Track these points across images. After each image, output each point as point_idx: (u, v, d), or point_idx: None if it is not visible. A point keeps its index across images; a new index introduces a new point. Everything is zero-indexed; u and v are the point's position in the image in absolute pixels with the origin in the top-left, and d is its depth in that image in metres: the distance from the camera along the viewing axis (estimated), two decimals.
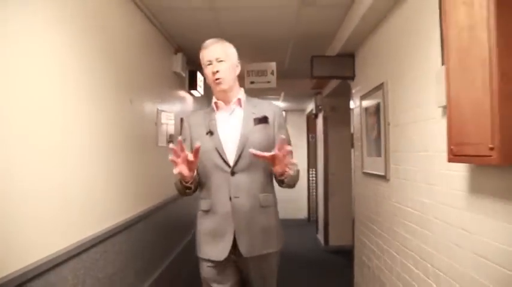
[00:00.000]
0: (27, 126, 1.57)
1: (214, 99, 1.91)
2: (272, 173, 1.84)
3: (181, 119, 4.00)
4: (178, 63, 4.01)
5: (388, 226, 2.77)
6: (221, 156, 1.79)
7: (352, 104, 3.97)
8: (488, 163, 1.39)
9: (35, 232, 1.60)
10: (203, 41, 1.89)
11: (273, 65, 4.79)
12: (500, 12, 1.27)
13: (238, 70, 1.91)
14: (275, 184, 1.93)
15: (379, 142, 2.96)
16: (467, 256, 1.67)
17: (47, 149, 1.70)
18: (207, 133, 1.82)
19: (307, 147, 8.17)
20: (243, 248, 1.78)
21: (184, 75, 4.29)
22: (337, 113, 5.80)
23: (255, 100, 1.94)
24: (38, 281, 1.54)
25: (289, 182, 1.78)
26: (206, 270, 1.86)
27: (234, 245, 1.79)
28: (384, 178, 2.84)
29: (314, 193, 7.61)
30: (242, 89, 1.94)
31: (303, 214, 8.37)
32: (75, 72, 1.97)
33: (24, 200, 1.53)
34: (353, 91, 3.88)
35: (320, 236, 6.43)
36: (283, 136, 1.64)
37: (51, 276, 1.64)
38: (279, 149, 1.61)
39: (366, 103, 3.37)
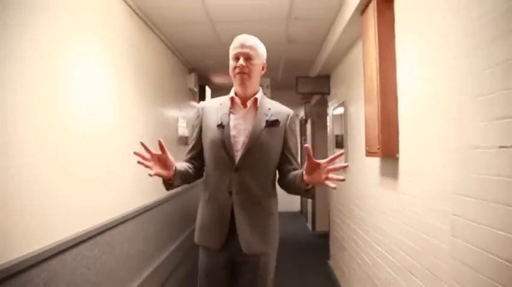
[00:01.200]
0: (94, 120, 2.64)
1: (232, 93, 1.87)
2: (274, 178, 1.86)
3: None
4: (191, 81, 5.08)
5: (347, 205, 3.83)
6: (227, 150, 1.76)
7: (328, 113, 5.03)
8: (377, 156, 2.44)
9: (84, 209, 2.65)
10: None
11: (267, 80, 5.86)
12: (381, 68, 2.33)
13: (263, 71, 1.88)
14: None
15: (342, 141, 4.03)
16: (380, 215, 2.72)
17: (105, 140, 2.77)
18: (218, 125, 1.80)
19: (301, 148, 9.23)
20: (243, 244, 1.74)
21: (196, 90, 5.37)
22: (322, 119, 6.85)
23: (271, 102, 1.91)
24: (77, 249, 2.13)
25: (307, 195, 1.72)
26: (201, 258, 1.86)
27: (232, 241, 1.76)
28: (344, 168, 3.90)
29: None
30: (261, 89, 1.91)
31: (296, 207, 9.46)
32: (128, 87, 3.05)
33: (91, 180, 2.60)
34: (329, 103, 4.94)
35: (309, 224, 7.51)
36: (342, 151, 1.65)
37: (83, 247, 2.21)
38: (329, 161, 1.58)
39: (336, 113, 4.44)
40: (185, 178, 1.80)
